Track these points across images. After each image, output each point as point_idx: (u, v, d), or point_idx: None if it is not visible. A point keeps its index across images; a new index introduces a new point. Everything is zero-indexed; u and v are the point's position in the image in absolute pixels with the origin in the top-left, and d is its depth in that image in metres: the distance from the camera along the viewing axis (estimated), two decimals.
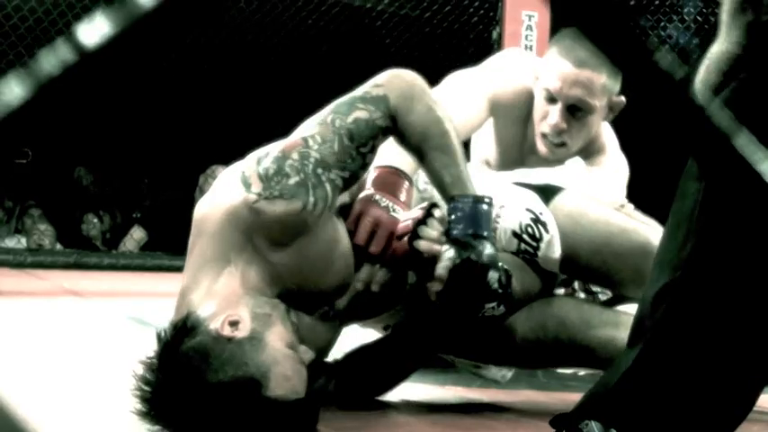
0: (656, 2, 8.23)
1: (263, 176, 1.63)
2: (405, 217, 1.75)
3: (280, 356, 1.51)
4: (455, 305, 1.69)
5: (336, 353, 1.96)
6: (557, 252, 1.94)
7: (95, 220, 7.80)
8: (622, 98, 2.30)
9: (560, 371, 2.51)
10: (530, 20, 6.05)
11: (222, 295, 1.58)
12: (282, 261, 1.64)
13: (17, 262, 6.19)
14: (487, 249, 1.66)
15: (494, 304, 1.71)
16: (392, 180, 1.82)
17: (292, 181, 1.63)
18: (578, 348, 1.95)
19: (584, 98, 2.21)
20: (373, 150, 1.74)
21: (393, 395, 2.01)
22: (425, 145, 1.75)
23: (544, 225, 1.96)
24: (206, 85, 7.65)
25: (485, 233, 1.68)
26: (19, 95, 0.47)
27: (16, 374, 2.15)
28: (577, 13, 0.57)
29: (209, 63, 7.66)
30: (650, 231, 1.94)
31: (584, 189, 2.14)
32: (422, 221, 1.71)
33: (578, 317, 1.97)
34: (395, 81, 1.76)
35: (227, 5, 7.42)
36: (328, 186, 1.66)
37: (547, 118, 2.25)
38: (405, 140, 1.77)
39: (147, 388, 1.47)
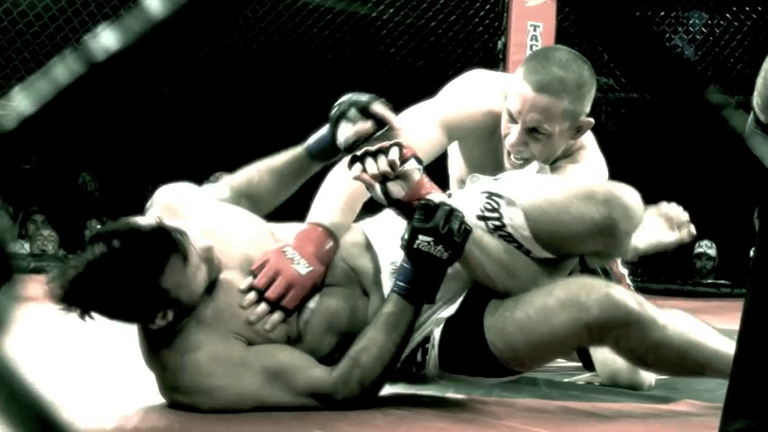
0: (662, 13, 8.23)
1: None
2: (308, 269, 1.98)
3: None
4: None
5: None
6: (519, 214, 1.96)
7: (99, 226, 7.79)
8: (590, 120, 2.25)
9: (562, 380, 2.50)
10: (535, 30, 6.06)
11: None
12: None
13: (20, 267, 6.18)
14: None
15: (430, 239, 1.83)
16: (314, 236, 2.01)
17: None
18: (572, 309, 1.91)
19: (543, 124, 2.17)
20: None
21: (392, 402, 2.00)
22: None
23: (497, 194, 1.99)
24: (211, 93, 7.66)
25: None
26: (31, 105, 0.47)
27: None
28: (590, 21, 0.56)
29: (214, 70, 7.67)
30: (611, 185, 1.99)
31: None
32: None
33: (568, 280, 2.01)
34: None
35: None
36: None
37: (509, 137, 2.23)
38: None
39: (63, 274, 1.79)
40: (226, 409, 1.85)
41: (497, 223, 1.98)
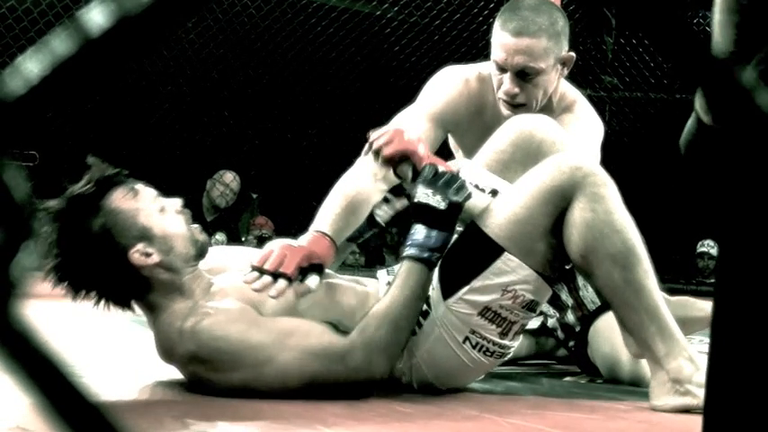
0: None
1: None
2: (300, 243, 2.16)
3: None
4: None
5: None
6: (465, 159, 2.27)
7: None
8: (572, 54, 2.40)
9: (565, 378, 2.50)
10: None
11: None
12: None
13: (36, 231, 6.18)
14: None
15: (429, 191, 2.04)
16: (316, 240, 2.16)
17: None
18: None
19: (529, 64, 2.32)
20: None
21: (393, 399, 2.01)
22: None
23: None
24: (214, 90, 7.67)
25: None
26: (26, 82, 0.46)
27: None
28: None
29: (217, 68, 7.68)
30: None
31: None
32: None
33: None
34: None
35: (237, 11, 7.43)
36: None
37: (501, 86, 2.37)
38: None
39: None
40: (246, 377, 1.91)
41: (461, 181, 2.13)
